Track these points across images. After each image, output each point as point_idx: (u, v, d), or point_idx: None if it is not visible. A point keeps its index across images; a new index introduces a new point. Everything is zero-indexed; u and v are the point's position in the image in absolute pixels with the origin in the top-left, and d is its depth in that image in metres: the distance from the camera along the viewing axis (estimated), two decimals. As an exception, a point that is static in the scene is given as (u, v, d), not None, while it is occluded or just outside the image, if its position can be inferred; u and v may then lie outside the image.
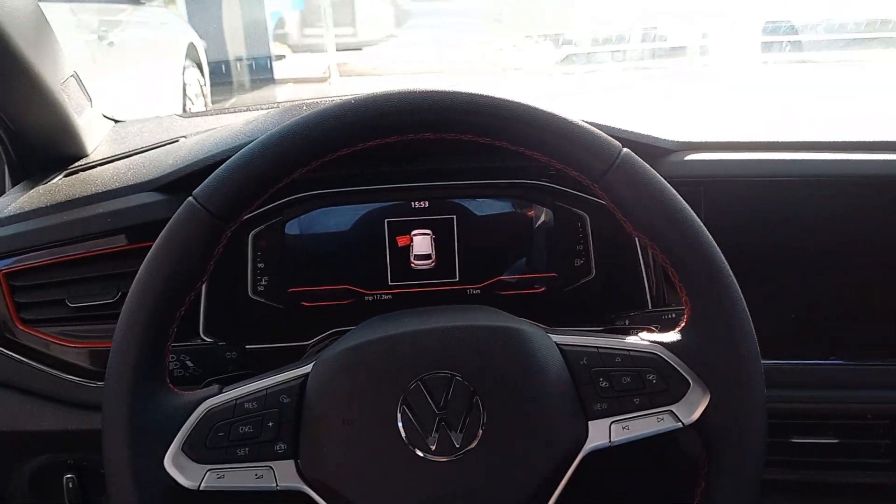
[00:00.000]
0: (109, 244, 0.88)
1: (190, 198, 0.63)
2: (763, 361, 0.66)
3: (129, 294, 0.63)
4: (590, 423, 0.65)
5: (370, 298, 1.00)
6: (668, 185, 0.67)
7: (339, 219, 1.00)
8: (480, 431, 0.62)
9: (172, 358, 0.75)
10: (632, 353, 0.66)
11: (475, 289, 1.01)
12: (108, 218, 0.88)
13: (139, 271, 0.63)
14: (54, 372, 0.87)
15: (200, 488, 0.61)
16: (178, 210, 0.63)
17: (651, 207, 0.66)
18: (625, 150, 0.66)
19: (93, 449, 0.87)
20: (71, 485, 0.92)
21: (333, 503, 0.62)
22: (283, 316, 0.98)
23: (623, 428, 0.64)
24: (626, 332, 0.70)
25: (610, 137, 0.66)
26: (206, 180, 0.64)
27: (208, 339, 0.90)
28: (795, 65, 5.18)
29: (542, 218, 1.02)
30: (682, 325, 0.67)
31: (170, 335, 0.64)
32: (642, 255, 0.95)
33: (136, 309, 0.62)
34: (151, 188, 0.92)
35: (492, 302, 0.77)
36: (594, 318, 0.92)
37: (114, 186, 0.93)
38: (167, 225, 0.63)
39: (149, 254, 0.63)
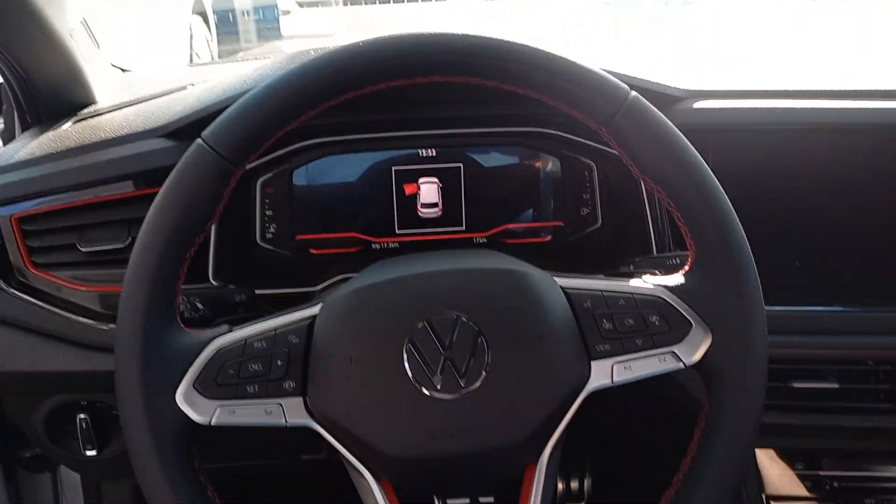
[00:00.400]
0: (119, 190, 0.89)
1: (199, 140, 0.64)
2: (766, 307, 0.67)
3: (139, 235, 0.64)
4: (592, 363, 0.66)
5: (377, 246, 1.01)
6: (676, 130, 0.67)
7: (346, 167, 1.01)
8: (485, 371, 0.63)
9: (183, 300, 0.76)
10: (635, 295, 0.67)
11: (481, 237, 1.02)
12: (118, 163, 0.89)
13: (149, 213, 0.64)
14: (66, 314, 0.88)
15: (212, 423, 0.62)
16: (187, 152, 0.64)
17: (658, 151, 0.66)
18: (633, 93, 0.66)
19: (105, 390, 0.89)
20: (84, 425, 0.94)
21: (341, 439, 0.64)
22: (292, 263, 0.99)
23: (625, 368, 0.65)
24: (631, 277, 0.71)
25: (618, 81, 0.66)
26: (215, 122, 0.64)
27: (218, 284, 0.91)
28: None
29: (549, 167, 1.02)
30: (687, 268, 0.68)
31: (180, 276, 0.65)
32: (648, 203, 0.95)
33: (147, 249, 0.63)
34: (160, 134, 0.92)
35: (498, 250, 0.78)
36: (600, 266, 0.92)
37: (123, 133, 0.94)
38: (176, 167, 0.64)
39: (158, 196, 0.64)
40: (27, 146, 0.95)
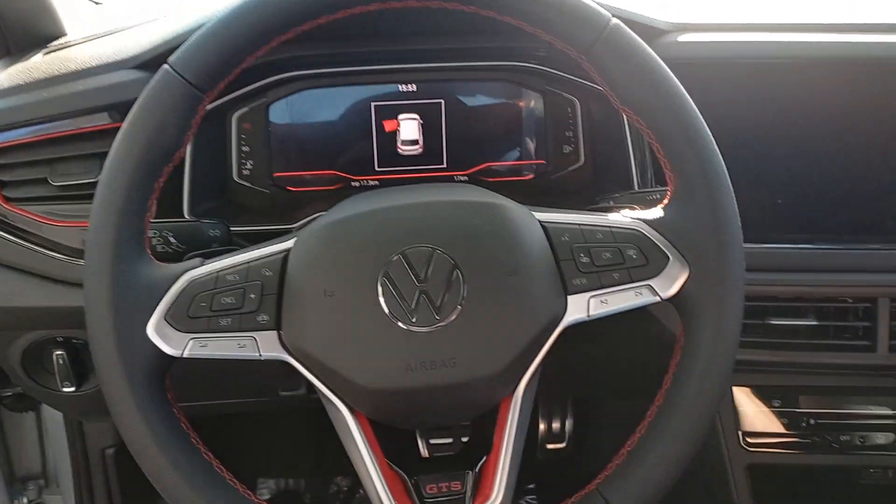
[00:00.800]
0: (90, 122, 0.87)
1: (165, 65, 0.62)
2: (746, 245, 0.66)
3: (105, 165, 0.62)
4: (569, 297, 0.65)
5: (357, 184, 1.00)
6: (658, 59, 0.65)
7: (324, 102, 0.99)
8: (460, 304, 0.62)
9: (154, 233, 0.75)
10: (613, 229, 0.66)
11: (462, 175, 1.01)
12: (89, 95, 0.87)
13: (114, 142, 0.62)
14: (40, 250, 0.87)
15: (184, 356, 0.62)
16: (153, 78, 0.62)
17: (639, 80, 0.64)
18: (614, 20, 0.64)
19: (80, 326, 0.88)
20: (61, 361, 0.93)
21: (316, 372, 0.64)
22: (269, 200, 0.98)
23: (601, 302, 0.65)
24: (610, 211, 0.70)
25: (599, 7, 0.64)
26: (182, 47, 0.62)
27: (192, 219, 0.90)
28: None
29: (532, 104, 1.01)
30: (665, 202, 0.67)
31: (149, 208, 0.63)
32: (631, 140, 0.94)
33: (113, 180, 0.61)
34: (132, 65, 0.90)
35: None
36: (582, 204, 0.92)
37: (93, 64, 0.91)
38: (142, 94, 0.62)
39: (124, 123, 0.62)
40: None
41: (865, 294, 0.92)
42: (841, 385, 1.01)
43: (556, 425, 1.58)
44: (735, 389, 1.02)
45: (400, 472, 0.68)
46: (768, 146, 0.95)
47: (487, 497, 0.64)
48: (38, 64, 0.95)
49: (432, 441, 0.74)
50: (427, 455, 0.73)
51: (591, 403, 1.56)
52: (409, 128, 0.98)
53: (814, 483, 1.12)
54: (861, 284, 0.92)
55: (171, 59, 0.62)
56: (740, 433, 1.02)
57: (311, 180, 0.99)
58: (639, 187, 0.93)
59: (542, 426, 1.58)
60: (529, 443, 1.54)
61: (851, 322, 0.94)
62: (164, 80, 0.62)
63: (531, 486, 1.65)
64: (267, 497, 1.55)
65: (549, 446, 1.59)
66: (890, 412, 1.01)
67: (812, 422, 1.01)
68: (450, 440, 0.74)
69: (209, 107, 0.68)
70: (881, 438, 1.01)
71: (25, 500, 1.35)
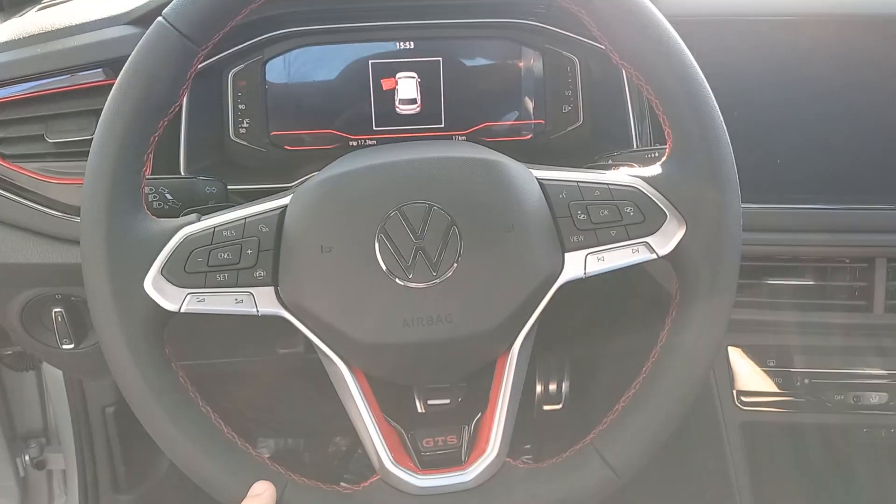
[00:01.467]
0: (85, 79, 0.87)
1: (159, 18, 0.62)
2: (745, 204, 0.66)
3: (100, 119, 0.62)
4: (566, 254, 0.65)
5: (354, 143, 0.99)
6: (658, 13, 0.64)
7: (321, 60, 0.98)
8: (457, 261, 0.62)
9: (151, 189, 0.75)
10: (611, 186, 0.66)
11: (461, 135, 1.00)
12: (83, 51, 0.86)
13: (109, 96, 0.62)
14: (37, 207, 0.87)
15: (181, 310, 0.62)
16: (148, 31, 0.62)
17: (638, 35, 0.64)
18: None
19: (78, 283, 0.88)
20: (59, 318, 0.94)
21: (312, 327, 0.64)
22: (266, 159, 0.98)
23: (598, 259, 0.65)
24: (608, 169, 0.70)
25: None
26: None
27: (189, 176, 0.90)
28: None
29: (531, 63, 1.00)
30: (664, 159, 0.66)
31: (144, 162, 0.63)
32: (630, 99, 0.93)
33: (108, 134, 0.61)
34: (126, 21, 0.89)
35: None
36: (580, 164, 0.91)
37: (87, 19, 0.91)
38: (136, 47, 0.62)
39: (119, 77, 0.62)
40: None
41: (863, 254, 0.93)
42: (836, 345, 1.01)
43: (552, 386, 1.59)
44: (730, 349, 1.03)
45: (397, 426, 0.68)
46: (769, 106, 0.95)
47: (483, 451, 0.65)
48: (32, 20, 0.94)
49: (430, 402, 0.75)
50: (423, 412, 0.74)
51: (587, 364, 1.57)
52: (407, 86, 0.98)
53: (807, 442, 1.14)
54: (859, 245, 0.93)
55: (165, 11, 0.62)
56: (735, 392, 1.03)
57: (308, 139, 0.99)
58: (638, 146, 0.93)
59: (538, 387, 1.59)
60: (526, 404, 1.57)
61: (848, 282, 0.94)
62: (157, 33, 0.61)
63: (527, 446, 1.67)
64: (267, 455, 1.57)
65: (546, 407, 1.61)
66: (884, 372, 1.02)
67: (806, 381, 1.02)
68: (447, 400, 0.74)
69: (205, 64, 0.68)
70: (875, 398, 1.01)
71: (27, 457, 1.37)
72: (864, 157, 0.96)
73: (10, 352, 1.23)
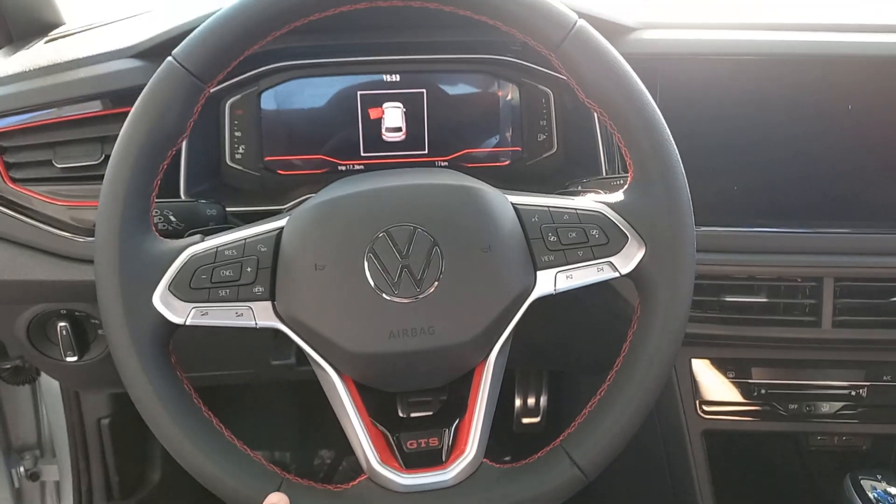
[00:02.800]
0: (92, 108, 0.92)
1: (170, 57, 0.67)
2: (703, 228, 0.72)
3: (114, 149, 0.67)
4: (538, 272, 0.71)
5: (343, 168, 1.05)
6: (620, 57, 0.71)
7: (313, 91, 1.04)
8: (438, 278, 0.68)
9: (156, 212, 0.80)
10: (579, 211, 0.72)
11: (443, 161, 1.06)
12: (90, 82, 0.92)
13: (123, 127, 0.67)
14: (44, 227, 0.92)
15: (187, 323, 0.68)
16: (159, 69, 0.67)
17: (602, 76, 0.70)
18: (580, 20, 0.70)
19: (82, 299, 0.94)
20: (65, 332, 0.99)
21: (306, 339, 0.69)
22: (260, 183, 1.03)
23: (567, 277, 0.71)
24: (577, 195, 0.76)
25: (567, 8, 0.70)
26: (185, 41, 0.67)
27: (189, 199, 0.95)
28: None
29: (509, 94, 1.06)
30: (626, 186, 0.73)
31: (153, 188, 0.69)
32: (600, 130, 1.00)
33: (122, 161, 0.67)
34: (131, 54, 0.95)
35: None
36: (554, 189, 0.98)
37: (94, 52, 0.96)
38: (148, 84, 0.68)
39: (132, 111, 0.67)
40: (1, 64, 0.97)
41: (812, 274, 0.99)
42: (790, 358, 1.08)
43: (531, 400, 1.64)
44: (693, 361, 1.08)
45: (383, 429, 0.74)
46: (727, 137, 1.01)
47: (462, 452, 0.71)
48: (42, 51, 1.00)
49: (413, 415, 0.80)
50: (406, 416, 0.80)
51: (564, 379, 1.62)
52: (393, 115, 1.04)
53: (764, 448, 1.20)
54: (808, 265, 0.99)
55: (176, 51, 0.67)
56: (697, 402, 1.09)
57: (300, 164, 1.04)
58: (606, 173, 1.00)
59: (517, 401, 1.64)
60: (506, 417, 1.61)
61: (799, 299, 1.00)
62: (168, 71, 0.67)
63: (507, 458, 1.71)
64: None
65: (525, 420, 1.65)
66: (834, 383, 1.08)
67: (763, 391, 1.07)
68: (429, 402, 0.80)
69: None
70: (826, 407, 1.07)
71: (22, 469, 1.39)
72: (813, 186, 1.03)
73: (8, 366, 1.26)
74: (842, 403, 1.07)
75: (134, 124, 0.67)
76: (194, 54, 0.67)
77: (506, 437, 1.67)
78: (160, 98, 0.67)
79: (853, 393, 1.07)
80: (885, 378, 1.06)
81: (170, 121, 0.68)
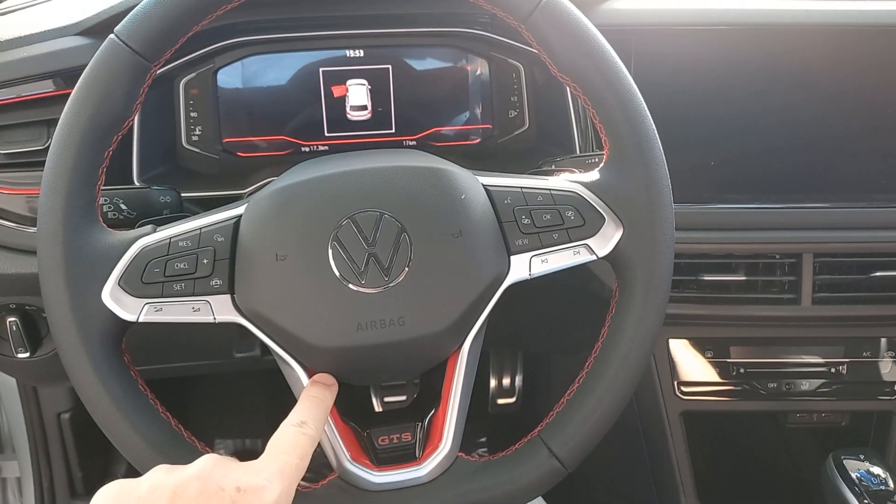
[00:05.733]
0: (35, 89, 0.87)
1: (112, 35, 0.63)
2: (680, 205, 0.70)
3: (54, 135, 0.63)
4: (512, 257, 0.68)
5: (307, 149, 1.01)
6: (593, 28, 0.68)
7: (273, 68, 1.00)
8: (407, 266, 0.65)
9: (105, 200, 0.76)
10: (553, 192, 0.69)
11: (411, 140, 1.03)
12: (34, 62, 0.87)
13: (63, 111, 0.63)
14: None
15: (139, 320, 0.63)
16: (100, 48, 0.63)
17: (574, 48, 0.67)
18: None
19: (33, 292, 0.88)
20: (14, 327, 0.94)
21: (269, 333, 0.66)
22: (219, 166, 0.99)
23: (542, 261, 0.68)
24: (551, 175, 0.73)
25: None
26: (128, 16, 0.63)
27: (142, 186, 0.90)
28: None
29: (478, 70, 1.03)
30: (601, 165, 0.70)
31: (99, 175, 0.64)
32: (573, 105, 0.97)
33: (63, 149, 0.62)
34: (76, 32, 0.90)
35: (427, 152, 0.79)
36: (527, 167, 0.95)
37: (38, 30, 0.91)
38: (89, 64, 0.63)
39: (72, 93, 0.63)
40: None
41: (791, 250, 0.98)
42: (769, 336, 1.07)
43: (506, 381, 1.63)
44: (671, 342, 1.07)
45: (353, 425, 0.71)
46: (703, 110, 0.99)
47: (436, 447, 0.68)
48: (-22, 29, 0.94)
49: (386, 399, 0.77)
50: (380, 410, 0.77)
51: (540, 359, 1.61)
52: (357, 93, 1.00)
53: (744, 428, 1.19)
54: (787, 241, 0.98)
55: (118, 28, 0.62)
56: (676, 383, 1.08)
57: (261, 146, 1.00)
58: (580, 151, 0.97)
59: (492, 382, 1.63)
60: (481, 398, 1.60)
61: (778, 277, 0.99)
62: (110, 50, 0.62)
63: (483, 439, 1.70)
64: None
65: (500, 401, 1.65)
66: (812, 360, 1.07)
67: (742, 370, 1.07)
68: (403, 397, 0.77)
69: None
70: (805, 385, 1.07)
71: (-21, 467, 1.36)
72: (791, 159, 1.01)
73: (-39, 362, 1.22)
74: (821, 381, 1.07)
75: (75, 108, 0.62)
76: (138, 31, 0.62)
77: (481, 420, 1.65)
78: (102, 79, 0.62)
79: (832, 370, 1.07)
80: (864, 354, 1.06)
81: (114, 104, 0.63)
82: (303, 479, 0.61)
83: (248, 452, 1.63)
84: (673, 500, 1.12)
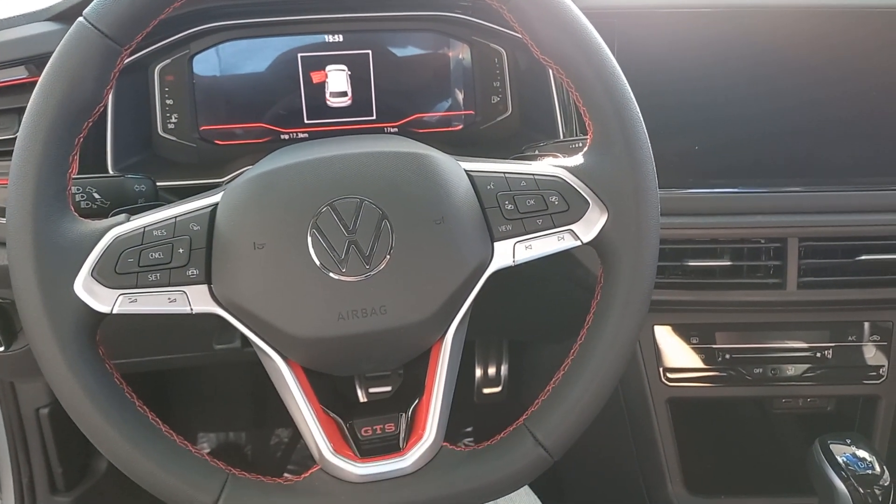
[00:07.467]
0: (6, 76, 0.85)
1: (80, 18, 0.61)
2: (664, 190, 0.69)
3: (22, 122, 0.61)
4: (495, 244, 0.67)
5: (286, 137, 0.99)
6: (576, 8, 0.67)
7: (250, 54, 0.98)
8: (389, 253, 0.63)
9: (78, 189, 0.74)
10: (536, 177, 0.68)
11: (392, 127, 1.01)
12: (2, 48, 0.84)
13: (31, 98, 0.61)
14: None
15: (114, 312, 0.62)
16: (69, 32, 0.61)
17: (557, 30, 0.66)
18: None
19: (5, 285, 0.86)
20: None
21: (248, 324, 0.64)
22: (196, 154, 0.97)
23: (526, 248, 0.67)
24: (534, 160, 0.72)
25: None
26: None
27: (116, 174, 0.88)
28: None
29: (460, 55, 1.02)
30: (586, 149, 0.69)
31: (70, 164, 0.62)
32: (556, 90, 0.96)
33: (32, 136, 0.60)
34: (46, 17, 0.88)
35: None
36: (510, 153, 0.94)
37: (8, 15, 0.88)
38: (58, 48, 0.61)
39: (40, 79, 0.61)
40: None
41: (776, 234, 0.97)
42: (754, 321, 1.06)
43: (491, 370, 1.63)
44: (656, 328, 1.07)
45: (335, 416, 0.69)
46: (687, 95, 0.98)
47: (420, 437, 0.67)
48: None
49: (371, 390, 0.76)
50: (366, 400, 0.76)
51: (525, 348, 1.61)
52: (337, 79, 0.98)
53: (729, 413, 1.19)
54: (771, 226, 0.97)
55: (86, 11, 0.61)
56: (661, 370, 1.07)
57: (239, 133, 0.99)
58: (564, 136, 0.96)
59: (478, 371, 1.62)
60: (466, 387, 1.59)
61: (763, 261, 0.99)
62: (79, 34, 0.60)
63: (469, 429, 1.70)
64: (207, 450, 1.57)
65: (486, 390, 1.64)
66: (798, 345, 1.07)
67: (728, 356, 1.06)
68: (388, 388, 0.76)
69: (130, 59, 0.66)
70: (791, 370, 1.07)
71: (-42, 463, 1.33)
72: (777, 144, 1.01)
73: (-64, 356, 1.19)
74: (807, 365, 1.07)
75: (43, 94, 0.60)
76: (108, 14, 0.60)
77: (467, 409, 1.65)
78: (71, 64, 0.60)
79: (818, 354, 1.07)
80: (850, 338, 1.06)
81: (84, 89, 0.61)
82: (288, 472, 0.60)
83: (232, 446, 1.61)
84: (659, 487, 1.12)
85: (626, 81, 0.67)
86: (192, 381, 1.44)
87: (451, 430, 0.68)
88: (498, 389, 1.64)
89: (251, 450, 1.63)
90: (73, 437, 1.27)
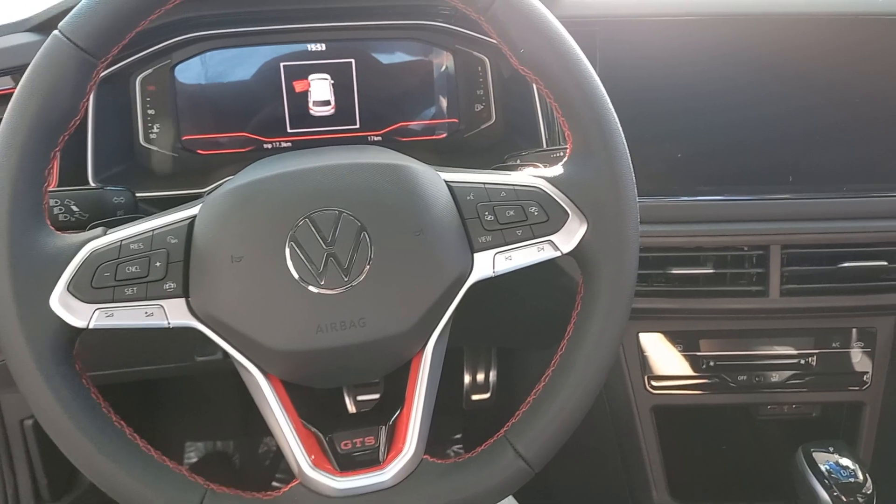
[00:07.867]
0: None
1: (55, 31, 0.60)
2: (647, 198, 0.69)
3: None
4: (475, 255, 0.67)
5: (269, 146, 0.99)
6: (553, 19, 0.66)
7: (232, 63, 0.97)
8: (368, 265, 0.63)
9: (56, 202, 0.73)
10: (516, 187, 0.67)
11: (376, 135, 1.01)
12: None
13: (6, 111, 0.60)
14: None
15: (90, 326, 0.61)
16: (44, 44, 0.60)
17: (535, 41, 0.66)
18: None
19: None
20: None
21: (226, 337, 0.64)
22: (179, 165, 0.96)
23: (506, 258, 0.67)
24: (515, 170, 0.71)
25: None
26: (72, 11, 0.60)
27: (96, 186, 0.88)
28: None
29: (443, 63, 1.01)
30: (565, 159, 0.69)
31: (45, 177, 0.62)
32: (539, 98, 0.96)
33: (7, 151, 0.60)
34: (25, 28, 0.87)
35: (392, 148, 0.78)
36: (494, 162, 0.93)
37: None
38: (33, 61, 0.60)
39: (15, 92, 0.60)
40: None
41: (758, 242, 0.97)
42: (738, 328, 1.06)
43: (480, 377, 1.62)
44: (640, 336, 1.07)
45: (315, 430, 0.69)
46: (669, 103, 0.98)
47: (400, 450, 0.66)
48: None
49: (359, 398, 0.75)
50: (354, 409, 0.75)
51: (514, 354, 1.60)
52: (320, 88, 0.98)
53: (714, 421, 1.19)
54: (754, 233, 0.97)
55: (62, 24, 0.60)
56: (646, 377, 1.07)
57: (222, 143, 0.98)
58: (547, 144, 0.96)
59: (466, 377, 1.62)
60: (455, 395, 1.59)
61: (746, 269, 0.99)
62: (54, 47, 0.60)
63: (457, 436, 1.69)
64: (195, 460, 1.56)
65: (475, 397, 1.63)
66: (783, 352, 1.07)
67: (712, 364, 1.06)
68: (376, 396, 0.75)
69: (110, 70, 0.66)
70: (775, 377, 1.07)
71: (-58, 475, 1.32)
72: (759, 152, 1.01)
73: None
74: (791, 372, 1.07)
75: (18, 107, 0.60)
76: (83, 27, 0.60)
77: (456, 415, 1.64)
78: (47, 77, 0.60)
79: (802, 361, 1.07)
80: (833, 345, 1.06)
81: (59, 102, 0.60)
82: (276, 481, 0.60)
83: (220, 456, 1.60)
84: (644, 495, 1.12)
85: (604, 91, 0.67)
86: (177, 391, 1.43)
87: (440, 437, 0.68)
88: (486, 396, 1.64)
89: (238, 459, 1.62)
90: (58, 448, 1.26)
